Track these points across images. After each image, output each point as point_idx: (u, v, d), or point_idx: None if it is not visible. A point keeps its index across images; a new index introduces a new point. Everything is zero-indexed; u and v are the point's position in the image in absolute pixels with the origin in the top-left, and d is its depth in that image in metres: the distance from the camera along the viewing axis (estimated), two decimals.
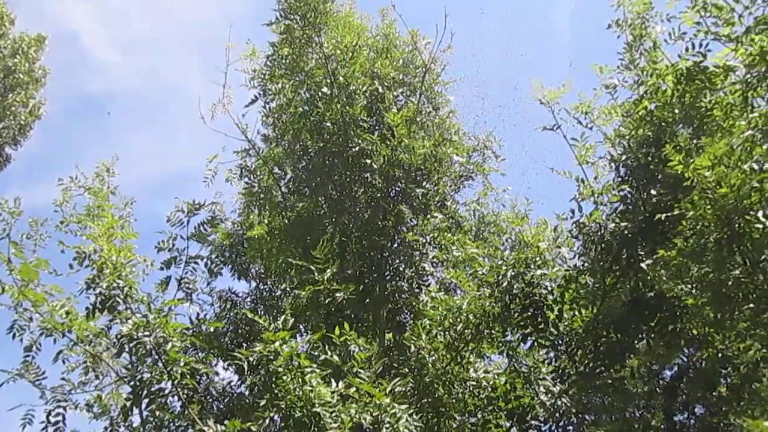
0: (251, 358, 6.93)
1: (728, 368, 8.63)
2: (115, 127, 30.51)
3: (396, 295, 9.86)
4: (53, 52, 19.76)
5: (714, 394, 9.07)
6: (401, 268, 9.95)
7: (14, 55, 17.88)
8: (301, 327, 10.06)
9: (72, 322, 7.54)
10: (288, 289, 10.90)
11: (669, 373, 13.16)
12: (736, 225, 6.54)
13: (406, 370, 8.24)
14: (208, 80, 10.98)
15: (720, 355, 8.43)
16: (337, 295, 8.27)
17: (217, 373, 8.81)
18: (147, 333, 6.88)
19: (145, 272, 7.86)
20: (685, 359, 11.54)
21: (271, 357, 6.65)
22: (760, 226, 6.21)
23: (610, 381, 7.74)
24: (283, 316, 6.90)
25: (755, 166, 6.40)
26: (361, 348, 7.08)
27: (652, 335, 7.75)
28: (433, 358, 8.21)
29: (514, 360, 8.73)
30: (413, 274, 9.92)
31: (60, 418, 7.69)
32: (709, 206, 6.57)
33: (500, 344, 8.51)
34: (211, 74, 10.89)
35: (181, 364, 7.27)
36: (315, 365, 6.78)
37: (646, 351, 11.12)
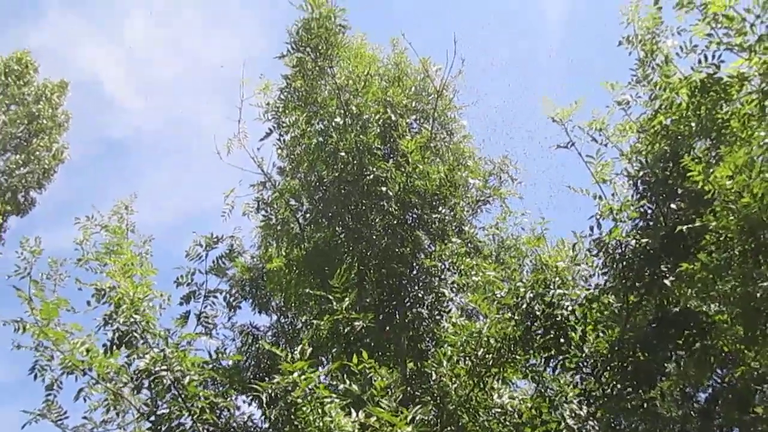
0: (270, 390, 6.85)
1: (763, 386, 8.31)
2: (137, 167, 31.04)
3: (416, 322, 9.73)
4: (75, 97, 20.28)
5: (751, 414, 8.73)
6: (420, 295, 9.83)
7: (38, 101, 18.38)
8: (322, 359, 9.97)
9: (92, 359, 7.55)
10: (308, 320, 10.84)
11: (704, 396, 12.79)
12: (762, 235, 6.37)
13: (428, 398, 8.08)
14: (226, 118, 11.14)
15: (754, 373, 8.15)
16: (356, 324, 8.20)
17: (238, 408, 8.69)
18: (164, 367, 6.85)
19: (162, 307, 7.86)
20: (719, 380, 11.20)
21: (290, 388, 6.56)
22: None
23: (639, 403, 7.48)
24: (300, 346, 6.79)
25: None
26: (381, 377, 6.95)
27: (681, 354, 7.51)
28: (456, 385, 8.03)
29: (539, 384, 8.53)
30: (433, 300, 9.80)
31: None
32: (732, 217, 6.43)
33: (524, 368, 8.31)
34: (229, 111, 11.04)
35: (201, 398, 7.22)
36: (335, 395, 6.68)
37: (678, 373, 10.83)
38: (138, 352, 7.19)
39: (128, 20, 29.01)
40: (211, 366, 8.22)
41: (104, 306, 7.69)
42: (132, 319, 7.18)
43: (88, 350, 7.52)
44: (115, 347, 7.24)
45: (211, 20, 29.59)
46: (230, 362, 9.64)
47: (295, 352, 6.85)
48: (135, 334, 7.19)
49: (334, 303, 7.97)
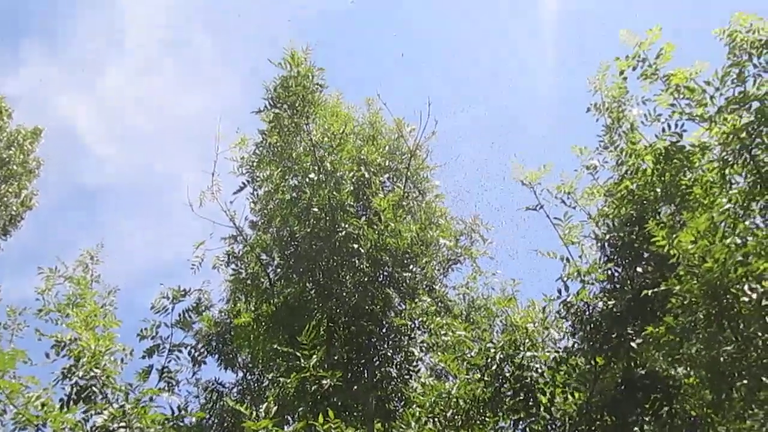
0: None
1: None
2: (107, 217, 30.65)
3: (385, 381, 9.61)
4: (49, 144, 20.16)
5: None
6: (390, 354, 9.74)
7: (9, 147, 18.24)
8: (288, 418, 9.74)
9: (47, 414, 7.27)
10: (275, 378, 10.63)
11: None
12: (724, 300, 6.47)
13: None
14: (200, 170, 11.15)
15: None
16: (324, 382, 8.07)
17: None
18: (123, 424, 6.64)
19: (124, 361, 7.66)
20: None
21: None
22: (747, 299, 6.14)
23: None
24: (265, 404, 6.65)
25: (738, 240, 6.41)
26: None
27: (648, 417, 7.49)
28: None
29: None
30: (402, 359, 9.71)
31: None
32: (695, 281, 6.52)
33: (492, 431, 8.20)
34: (204, 164, 11.09)
35: None
36: None
37: None
38: (96, 407, 6.96)
39: (106, 71, 29.23)
40: (172, 423, 7.97)
41: (64, 359, 7.50)
42: (92, 373, 6.98)
43: (43, 405, 7.25)
44: (72, 402, 7.00)
45: (190, 73, 29.94)
46: (193, 420, 9.35)
47: (260, 410, 6.70)
48: (94, 389, 6.98)
49: (302, 360, 7.85)
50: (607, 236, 7.93)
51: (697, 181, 7.74)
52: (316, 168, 10.64)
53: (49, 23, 28.65)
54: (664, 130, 8.04)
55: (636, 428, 7.84)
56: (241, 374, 12.39)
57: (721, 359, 6.77)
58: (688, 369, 7.54)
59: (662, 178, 8.01)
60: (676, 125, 7.96)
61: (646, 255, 7.79)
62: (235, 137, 11.23)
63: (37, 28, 29.29)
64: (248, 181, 11.12)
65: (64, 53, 30.07)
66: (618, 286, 7.74)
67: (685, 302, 6.83)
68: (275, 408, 6.78)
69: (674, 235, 6.72)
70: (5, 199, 18.20)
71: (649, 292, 6.92)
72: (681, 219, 7.38)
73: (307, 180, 10.64)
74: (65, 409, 7.10)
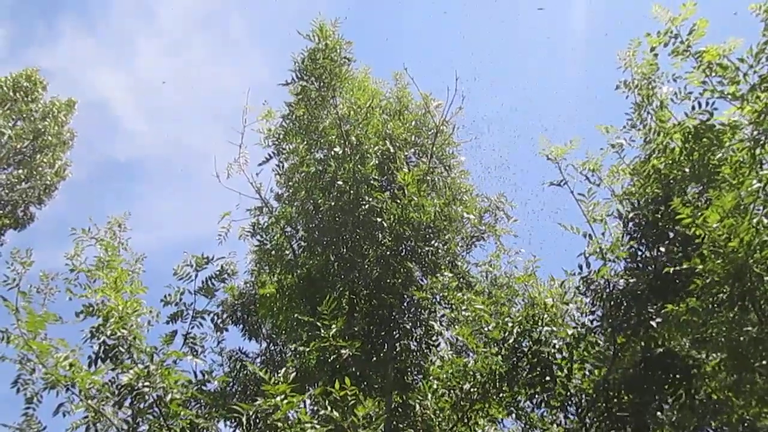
0: (252, 413, 6.80)
1: None
2: (138, 190, 31.20)
3: (404, 354, 9.68)
4: (83, 118, 20.54)
5: None
6: (409, 327, 9.79)
7: (44, 118, 18.61)
8: (308, 388, 9.89)
9: (75, 374, 7.50)
10: (297, 348, 10.79)
11: None
12: (748, 281, 6.39)
13: (411, 430, 8.00)
14: (227, 142, 11.25)
15: (744, 423, 8.05)
16: (343, 352, 8.17)
17: (219, 431, 8.60)
18: (148, 384, 6.82)
19: (150, 324, 7.86)
20: (710, 429, 11.03)
21: (271, 411, 6.53)
22: None
23: None
24: (283, 369, 6.77)
25: (765, 220, 6.30)
26: (363, 406, 6.91)
27: (666, 398, 7.46)
28: (440, 419, 7.96)
29: (525, 423, 8.45)
30: (422, 333, 9.75)
31: None
32: (719, 261, 6.44)
33: (509, 406, 8.24)
34: (232, 138, 11.17)
35: (182, 418, 7.17)
36: (315, 422, 6.64)
37: (671, 423, 10.67)
38: (122, 367, 7.16)
39: (140, 47, 29.53)
40: (195, 387, 8.16)
41: (92, 321, 7.72)
42: (119, 333, 7.16)
43: (71, 365, 7.48)
44: (99, 361, 7.21)
45: (221, 49, 30.11)
46: (216, 386, 9.57)
47: (279, 376, 6.83)
48: (121, 349, 7.18)
49: (322, 330, 7.96)
50: (631, 214, 7.85)
51: (727, 160, 7.59)
52: (342, 141, 10.67)
53: None
54: (694, 108, 7.91)
55: (654, 407, 7.83)
56: (264, 345, 12.60)
57: (743, 341, 6.70)
58: (709, 351, 7.48)
59: (690, 158, 7.89)
60: (707, 103, 7.83)
61: (670, 235, 7.71)
62: (262, 110, 11.31)
63: (73, 3, 29.70)
64: (274, 154, 11.20)
65: (98, 28, 30.48)
66: (640, 264, 7.68)
67: (708, 282, 6.76)
68: (293, 375, 6.88)
69: (700, 214, 6.63)
70: (40, 169, 18.63)
71: (671, 270, 6.86)
72: (707, 198, 7.26)
73: (333, 153, 10.68)
74: (92, 368, 7.30)
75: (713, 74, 7.76)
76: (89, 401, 7.82)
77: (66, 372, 7.48)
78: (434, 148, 11.12)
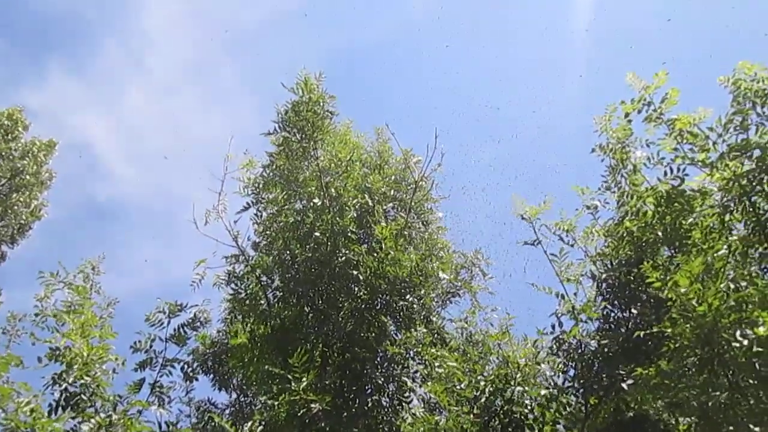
0: None
1: None
2: (118, 234, 30.89)
3: (376, 410, 9.53)
4: (66, 159, 20.50)
5: None
6: (382, 382, 9.68)
7: (23, 157, 18.53)
8: None
9: (35, 420, 7.26)
10: (267, 401, 10.59)
11: None
12: (717, 345, 6.43)
13: None
14: (207, 189, 11.26)
15: None
16: (313, 406, 8.05)
17: None
18: None
19: (116, 371, 7.68)
20: None
21: None
22: (740, 346, 6.10)
23: None
24: (250, 423, 6.63)
25: (732, 285, 6.40)
26: None
27: None
28: None
29: None
30: (395, 389, 9.65)
31: None
32: (688, 325, 6.50)
33: None
34: (213, 185, 11.19)
35: None
36: None
37: None
38: (84, 416, 6.96)
39: (127, 90, 29.75)
40: None
41: (57, 366, 7.53)
42: (82, 380, 6.99)
43: (32, 410, 7.25)
44: (60, 408, 7.01)
45: (209, 97, 30.41)
46: None
47: (246, 430, 6.69)
48: (83, 397, 6.99)
49: (293, 383, 7.85)
50: (604, 275, 7.94)
51: (697, 225, 7.76)
52: (321, 193, 10.73)
53: (74, 40, 29.30)
54: (666, 173, 8.11)
55: None
56: (234, 396, 12.37)
57: (714, 406, 6.70)
58: (680, 414, 7.46)
59: (662, 221, 8.05)
60: (679, 169, 8.04)
61: (643, 297, 7.79)
62: (244, 158, 11.37)
63: (61, 44, 29.96)
64: (253, 202, 11.22)
65: (87, 70, 30.69)
66: (612, 326, 7.73)
67: (678, 346, 6.80)
68: (260, 429, 6.73)
69: (670, 278, 6.72)
70: (15, 207, 18.44)
71: (642, 333, 6.91)
72: (677, 261, 7.38)
73: (312, 204, 10.73)
74: (54, 416, 7.09)
75: (684, 141, 7.99)
76: None
77: (26, 418, 7.23)
78: (413, 203, 11.23)
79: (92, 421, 6.74)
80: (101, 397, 7.19)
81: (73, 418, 7.10)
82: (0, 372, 7.30)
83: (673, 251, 7.81)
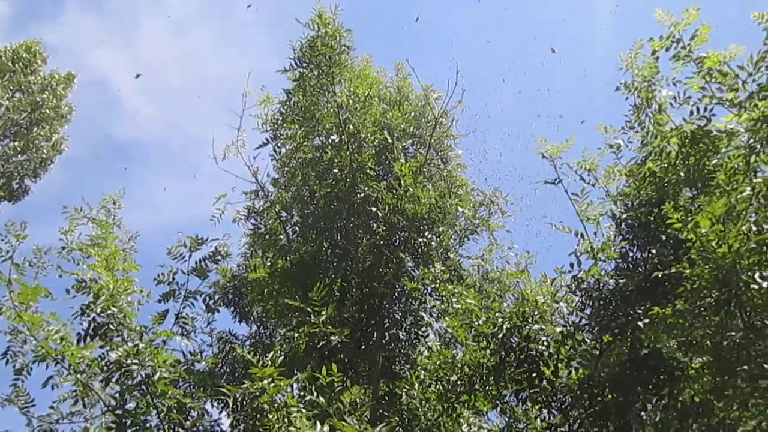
0: (238, 395, 6.87)
1: None
2: (138, 172, 31.13)
3: (393, 343, 9.76)
4: (83, 96, 20.46)
5: None
6: (399, 317, 9.87)
7: (42, 90, 18.49)
8: (297, 372, 9.95)
9: (65, 348, 7.53)
10: (287, 333, 10.86)
11: None
12: (735, 287, 6.45)
13: (397, 419, 8.08)
14: (226, 125, 11.25)
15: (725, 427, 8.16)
16: (332, 339, 8.24)
17: (206, 411, 8.66)
18: (136, 362, 6.85)
19: (141, 303, 7.89)
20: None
21: (258, 394, 6.58)
22: (758, 288, 6.11)
23: None
24: (272, 353, 6.82)
25: (753, 228, 6.36)
26: (350, 392, 6.99)
27: (650, 398, 7.55)
28: (425, 408, 8.04)
29: (509, 417, 8.54)
30: (411, 323, 9.84)
31: None
32: (707, 266, 6.50)
33: (494, 400, 8.33)
34: (232, 122, 11.16)
35: (170, 397, 7.21)
36: (301, 406, 6.70)
37: (653, 423, 10.76)
38: (112, 344, 7.19)
39: (144, 27, 29.35)
40: (184, 367, 8.21)
41: (83, 297, 7.74)
42: (109, 311, 7.19)
43: (62, 339, 7.51)
44: (89, 337, 7.24)
45: (226, 33, 29.95)
46: (204, 366, 9.62)
47: (267, 359, 6.87)
48: (110, 326, 7.20)
49: (312, 316, 8.02)
50: (624, 215, 7.90)
51: (721, 166, 7.63)
52: (339, 130, 10.68)
53: None
54: (692, 113, 7.94)
55: (637, 407, 7.92)
56: (254, 328, 12.67)
57: (728, 346, 6.78)
58: (694, 354, 7.56)
59: (686, 162, 7.92)
60: (705, 109, 7.85)
61: (662, 238, 7.76)
62: (261, 95, 11.30)
63: None
64: (271, 139, 11.22)
65: (104, 6, 30.25)
66: (631, 266, 7.74)
67: (696, 286, 6.82)
68: (281, 359, 6.93)
69: (691, 219, 6.69)
70: (37, 141, 18.54)
71: (661, 273, 6.93)
72: (700, 203, 7.32)
73: (330, 141, 10.70)
74: (82, 344, 7.34)
75: (713, 80, 7.79)
76: (78, 375, 7.86)
77: (56, 345, 7.51)
78: (432, 140, 11.14)
79: (120, 349, 6.96)
80: (127, 326, 7.40)
81: (101, 346, 7.35)
82: (30, 301, 7.52)
83: (695, 192, 7.72)
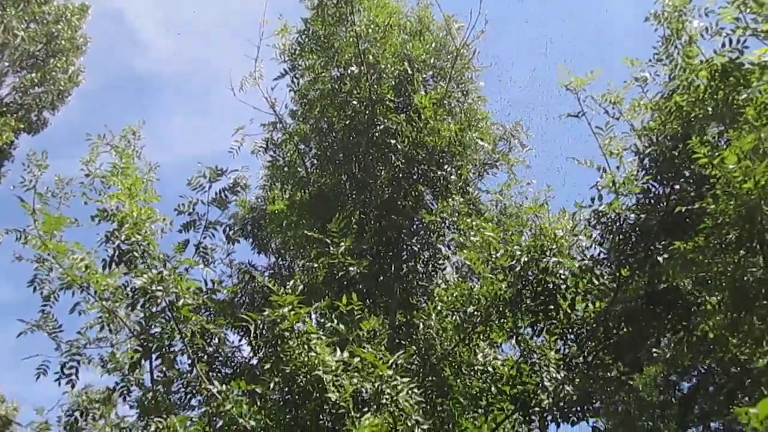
0: (259, 322, 7.02)
1: (747, 380, 8.40)
2: (155, 106, 31.00)
3: (410, 275, 9.87)
4: (99, 27, 20.15)
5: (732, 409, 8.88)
6: (417, 249, 9.95)
7: (57, 21, 18.23)
8: (315, 303, 10.13)
9: (90, 276, 7.67)
10: (305, 264, 10.99)
11: (687, 385, 12.97)
12: (759, 223, 6.40)
13: (414, 348, 8.25)
14: (243, 56, 11.05)
15: (736, 360, 8.26)
16: (351, 269, 8.34)
17: (227, 338, 8.89)
18: (161, 288, 6.99)
19: (164, 231, 7.98)
20: (703, 368, 11.29)
21: (278, 321, 6.72)
22: None
23: (617, 375, 7.64)
24: (292, 282, 6.93)
25: None
26: (368, 320, 7.12)
27: (665, 333, 7.63)
28: (442, 338, 8.20)
29: (524, 349, 8.67)
30: (429, 256, 9.92)
31: (73, 371, 7.85)
32: (732, 202, 6.43)
33: (510, 332, 8.45)
34: (249, 53, 10.96)
35: (193, 323, 7.40)
36: (321, 333, 6.85)
37: (665, 359, 10.91)
38: (136, 271, 7.33)
39: None
40: (206, 295, 8.38)
41: (106, 226, 7.83)
42: (133, 239, 7.29)
43: (87, 266, 7.64)
44: (114, 264, 7.37)
45: None
46: (225, 296, 9.81)
47: (287, 287, 6.98)
48: (135, 254, 7.31)
49: (331, 247, 8.10)
50: (648, 150, 7.78)
51: (752, 101, 7.43)
52: (358, 60, 10.48)
53: None
54: (724, 45, 7.67)
55: (651, 342, 8.03)
56: (273, 259, 12.83)
57: (747, 281, 6.78)
58: (711, 290, 7.58)
59: (715, 96, 7.72)
60: (738, 41, 7.58)
61: (686, 173, 7.66)
62: (279, 24, 11.05)
63: None
64: (289, 69, 11.04)
65: None
66: (653, 201, 7.68)
67: (719, 223, 6.77)
68: (301, 286, 7.03)
69: (717, 154, 6.57)
70: (53, 73, 18.40)
71: (683, 209, 6.87)
72: (727, 139, 7.18)
73: (348, 72, 10.53)
74: (107, 271, 7.48)
75: (748, 10, 7.49)
76: (104, 302, 8.06)
77: (81, 273, 7.64)
78: (453, 72, 10.91)
79: (144, 276, 7.10)
80: (151, 254, 7.51)
81: (125, 273, 7.49)
82: (54, 230, 7.63)
83: (722, 128, 7.56)
